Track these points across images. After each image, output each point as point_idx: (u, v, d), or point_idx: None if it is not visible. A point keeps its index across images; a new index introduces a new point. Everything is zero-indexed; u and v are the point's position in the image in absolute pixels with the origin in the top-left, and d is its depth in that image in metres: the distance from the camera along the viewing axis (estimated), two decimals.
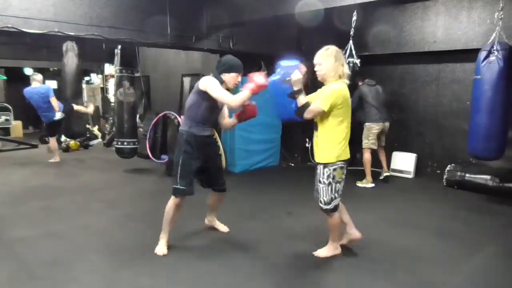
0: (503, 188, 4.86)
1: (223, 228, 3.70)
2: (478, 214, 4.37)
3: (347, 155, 2.90)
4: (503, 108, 4.17)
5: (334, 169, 2.83)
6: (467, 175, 5.20)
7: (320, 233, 3.53)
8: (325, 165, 2.85)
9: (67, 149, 8.05)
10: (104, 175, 6.11)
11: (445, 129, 5.88)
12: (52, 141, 6.92)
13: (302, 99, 2.81)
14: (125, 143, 6.09)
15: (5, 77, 11.40)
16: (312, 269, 2.99)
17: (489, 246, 3.48)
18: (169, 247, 3.23)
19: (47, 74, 12.09)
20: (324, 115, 2.80)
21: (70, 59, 6.14)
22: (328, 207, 2.89)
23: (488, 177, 4.98)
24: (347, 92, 2.83)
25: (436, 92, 5.98)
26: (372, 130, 5.43)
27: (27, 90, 6.56)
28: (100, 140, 9.15)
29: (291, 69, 2.82)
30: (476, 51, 4.36)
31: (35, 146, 8.45)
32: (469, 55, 5.07)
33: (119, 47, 5.88)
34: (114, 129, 7.87)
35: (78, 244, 3.42)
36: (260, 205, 4.59)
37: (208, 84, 3.03)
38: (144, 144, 6.76)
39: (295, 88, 2.81)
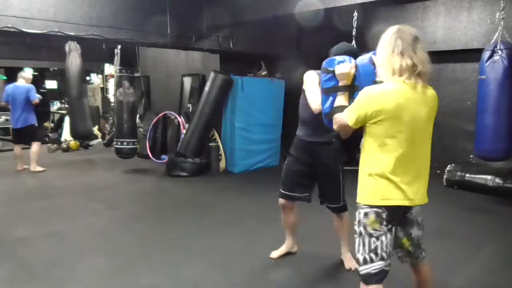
0: (504, 188, 4.86)
1: (349, 262, 2.94)
2: (478, 214, 4.37)
3: (395, 197, 1.78)
4: (509, 107, 4.12)
5: (365, 214, 1.82)
6: (467, 175, 5.19)
7: (320, 233, 3.52)
8: (357, 205, 1.89)
9: (67, 149, 8.05)
10: (104, 175, 6.11)
11: (445, 129, 5.87)
12: (16, 148, 6.25)
13: (339, 100, 1.98)
14: (125, 143, 6.09)
15: (5, 77, 11.40)
16: (310, 268, 2.99)
17: (489, 246, 3.48)
18: (288, 253, 3.13)
19: (47, 74, 12.14)
20: (363, 131, 1.85)
21: (74, 59, 6.06)
22: (359, 269, 1.86)
23: (488, 177, 4.98)
24: (391, 98, 1.73)
25: (436, 92, 5.98)
26: None
27: (8, 87, 6.06)
28: (100, 140, 9.15)
29: (344, 59, 2.06)
30: (476, 51, 4.36)
31: None
32: (469, 55, 5.07)
33: (119, 47, 5.88)
34: (114, 129, 7.87)
35: (78, 244, 3.43)
36: (260, 205, 4.59)
37: (304, 80, 2.67)
38: (144, 144, 6.76)
39: (340, 84, 2.01)
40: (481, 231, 3.83)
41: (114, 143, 6.29)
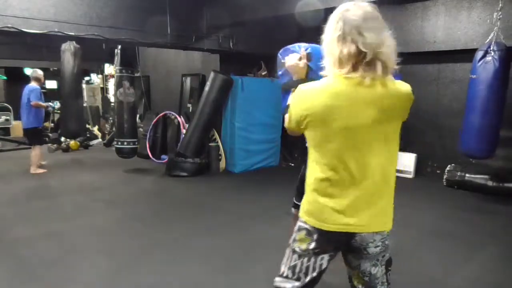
0: (503, 188, 4.86)
1: None
2: (478, 214, 4.37)
3: (327, 220, 1.43)
4: (496, 108, 4.21)
5: (299, 229, 1.51)
6: (467, 175, 5.20)
7: None
8: None
9: (67, 149, 8.06)
10: (104, 175, 6.11)
11: (445, 129, 5.88)
12: (35, 150, 6.10)
13: (290, 98, 1.54)
14: (125, 143, 6.10)
15: (5, 77, 11.41)
16: None
17: (489, 246, 3.48)
18: None
19: (47, 74, 12.13)
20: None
21: (66, 59, 6.01)
22: (275, 279, 1.61)
23: (488, 177, 4.98)
24: (319, 99, 1.35)
25: (436, 92, 5.98)
26: None
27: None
28: (100, 140, 9.15)
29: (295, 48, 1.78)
30: (476, 51, 4.37)
31: None
32: (469, 55, 5.05)
33: (119, 47, 5.88)
34: (114, 129, 7.88)
35: (78, 244, 3.43)
36: (260, 205, 4.59)
37: None
38: (144, 144, 6.77)
39: (294, 78, 1.70)
40: (481, 231, 3.83)
41: (114, 143, 6.29)
